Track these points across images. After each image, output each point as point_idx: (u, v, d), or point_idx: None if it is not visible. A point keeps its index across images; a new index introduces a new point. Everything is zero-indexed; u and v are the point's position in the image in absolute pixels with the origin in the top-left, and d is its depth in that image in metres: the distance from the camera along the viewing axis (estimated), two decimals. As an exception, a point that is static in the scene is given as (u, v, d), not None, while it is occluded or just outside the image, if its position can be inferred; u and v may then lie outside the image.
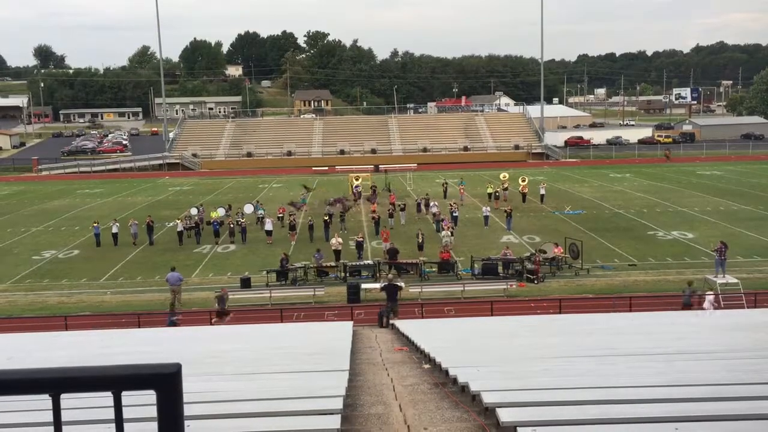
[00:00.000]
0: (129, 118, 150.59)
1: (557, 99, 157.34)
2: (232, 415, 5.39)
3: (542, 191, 46.06)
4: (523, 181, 46.97)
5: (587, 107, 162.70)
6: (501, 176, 50.13)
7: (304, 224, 38.21)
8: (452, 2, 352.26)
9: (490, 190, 46.68)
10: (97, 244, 36.07)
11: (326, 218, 36.92)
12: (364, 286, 26.61)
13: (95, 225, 36.90)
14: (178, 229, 36.72)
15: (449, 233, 33.02)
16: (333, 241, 32.00)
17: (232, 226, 36.93)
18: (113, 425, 1.55)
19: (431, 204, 41.57)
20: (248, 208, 41.03)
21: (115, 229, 36.37)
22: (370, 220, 39.49)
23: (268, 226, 36.96)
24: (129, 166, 77.80)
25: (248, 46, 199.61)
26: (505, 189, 47.11)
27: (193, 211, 40.85)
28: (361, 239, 32.84)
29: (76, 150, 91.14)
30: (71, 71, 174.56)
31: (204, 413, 5.37)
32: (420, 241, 32.32)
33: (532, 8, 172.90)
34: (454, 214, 38.28)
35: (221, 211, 40.45)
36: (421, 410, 6.96)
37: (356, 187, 49.72)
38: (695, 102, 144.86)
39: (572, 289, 27.00)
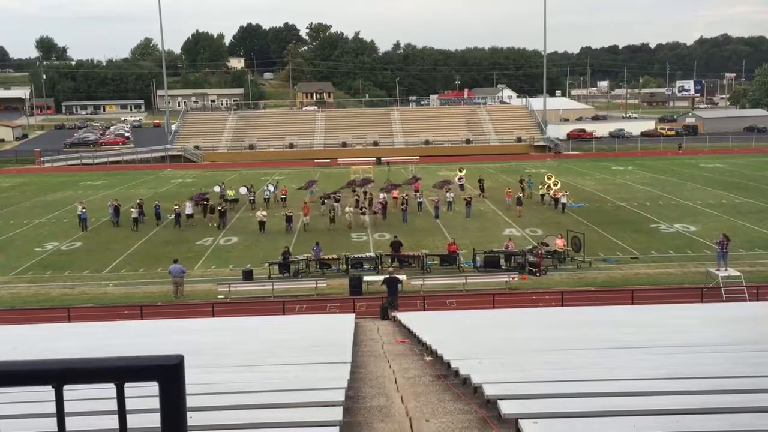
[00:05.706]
0: (131, 110, 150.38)
1: (560, 91, 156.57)
2: (234, 407, 5.41)
3: (564, 200, 41.65)
4: (556, 184, 43.82)
5: (590, 100, 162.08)
6: (546, 177, 46.26)
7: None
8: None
9: (542, 192, 44.32)
10: (83, 228, 38.08)
11: (223, 206, 38.96)
12: (366, 278, 26.64)
13: (82, 209, 38.92)
14: (133, 216, 38.23)
15: (360, 211, 38.06)
16: (258, 213, 36.15)
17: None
18: (116, 416, 1.55)
19: (380, 197, 41.15)
20: (270, 187, 45.96)
21: (79, 210, 38.51)
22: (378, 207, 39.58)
23: (188, 210, 38.52)
24: (131, 158, 77.74)
25: (250, 38, 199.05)
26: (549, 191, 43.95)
27: (216, 188, 46.32)
28: (290, 213, 36.29)
29: (79, 142, 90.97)
30: (73, 63, 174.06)
31: (206, 405, 5.39)
32: (331, 215, 37.36)
33: (535, 0, 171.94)
34: (407, 197, 40.97)
35: (243, 191, 44.46)
36: (423, 402, 6.97)
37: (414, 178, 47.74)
38: (698, 94, 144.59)
39: (574, 282, 27.02)
